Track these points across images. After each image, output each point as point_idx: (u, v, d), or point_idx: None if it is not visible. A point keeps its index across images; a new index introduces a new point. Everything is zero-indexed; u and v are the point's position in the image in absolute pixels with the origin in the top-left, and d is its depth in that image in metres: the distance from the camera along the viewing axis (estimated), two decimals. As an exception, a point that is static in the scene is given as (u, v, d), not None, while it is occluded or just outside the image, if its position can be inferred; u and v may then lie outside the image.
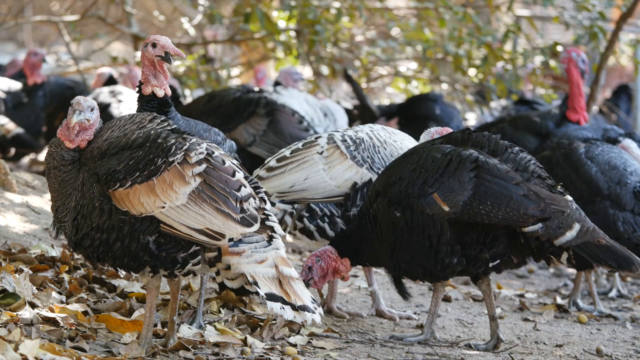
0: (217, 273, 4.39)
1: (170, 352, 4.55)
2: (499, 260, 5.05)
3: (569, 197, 5.05)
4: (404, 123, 9.37)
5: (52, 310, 4.72)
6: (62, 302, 4.94)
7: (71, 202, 4.37)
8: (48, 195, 5.36)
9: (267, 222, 4.36)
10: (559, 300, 6.70)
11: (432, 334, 5.28)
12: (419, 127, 6.33)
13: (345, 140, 5.60)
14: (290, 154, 5.66)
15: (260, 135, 7.60)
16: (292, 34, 10.16)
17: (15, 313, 4.60)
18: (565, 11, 10.30)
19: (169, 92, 4.99)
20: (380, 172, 5.42)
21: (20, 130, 9.32)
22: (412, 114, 9.50)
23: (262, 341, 4.90)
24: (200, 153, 4.32)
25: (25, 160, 10.72)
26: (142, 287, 5.31)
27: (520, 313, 6.29)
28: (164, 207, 4.26)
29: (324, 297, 5.78)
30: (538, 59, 10.58)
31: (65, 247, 5.75)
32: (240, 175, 4.36)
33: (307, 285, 5.22)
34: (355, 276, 6.64)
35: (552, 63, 10.30)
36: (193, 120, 5.14)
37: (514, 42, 12.20)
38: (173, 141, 4.33)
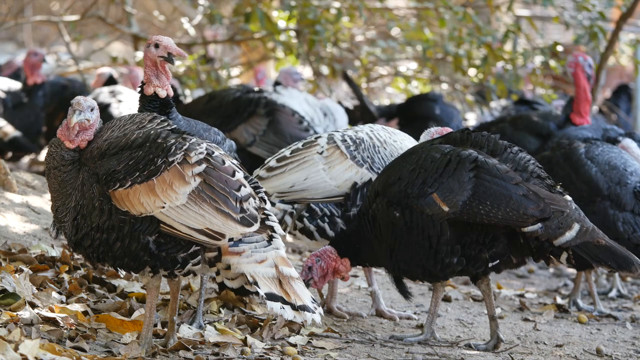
0: (217, 273, 4.39)
1: (170, 352, 4.55)
2: (498, 260, 5.04)
3: (569, 197, 5.04)
4: (404, 123, 9.37)
5: (52, 310, 4.72)
6: (62, 302, 4.94)
7: (71, 202, 4.37)
8: (48, 195, 5.36)
9: (267, 222, 4.36)
10: (559, 300, 6.70)
11: (432, 334, 5.27)
12: (419, 127, 6.31)
13: (345, 140, 5.60)
14: (290, 154, 5.65)
15: (260, 135, 7.59)
16: (292, 34, 10.16)
17: (15, 313, 4.60)
18: (565, 11, 10.29)
19: (171, 93, 5.00)
20: (380, 172, 5.41)
21: (17, 133, 9.31)
22: (412, 114, 9.50)
23: (262, 341, 4.90)
24: (200, 153, 4.32)
25: (25, 160, 10.71)
26: (142, 287, 5.31)
27: (520, 313, 6.29)
28: (163, 207, 4.26)
29: (324, 297, 5.78)
30: (538, 59, 10.57)
31: (65, 247, 5.75)
32: (240, 175, 4.36)
33: (307, 285, 5.22)
34: (355, 276, 6.63)
35: (552, 63, 10.29)
36: (193, 120, 5.15)
37: (514, 42, 12.19)
38: (173, 141, 4.33)
